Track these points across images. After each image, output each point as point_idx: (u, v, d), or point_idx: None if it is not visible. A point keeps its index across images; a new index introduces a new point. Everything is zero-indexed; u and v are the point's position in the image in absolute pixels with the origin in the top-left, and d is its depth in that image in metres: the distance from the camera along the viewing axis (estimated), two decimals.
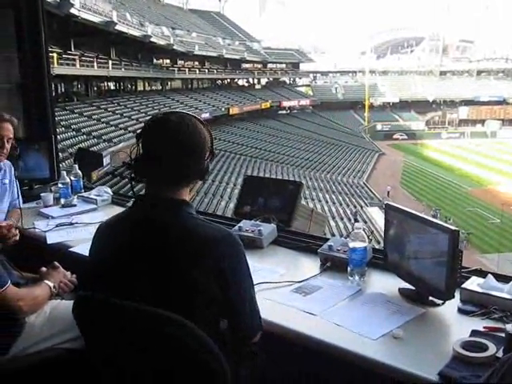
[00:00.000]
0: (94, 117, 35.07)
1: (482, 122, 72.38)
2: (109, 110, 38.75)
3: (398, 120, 73.96)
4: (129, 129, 35.55)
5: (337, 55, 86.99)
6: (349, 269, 2.59)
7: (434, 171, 50.44)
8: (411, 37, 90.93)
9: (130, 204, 3.81)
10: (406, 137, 68.81)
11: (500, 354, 1.78)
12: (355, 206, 38.22)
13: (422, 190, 43.73)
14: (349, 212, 36.48)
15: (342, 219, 34.26)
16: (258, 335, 2.05)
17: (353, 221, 33.63)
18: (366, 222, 31.72)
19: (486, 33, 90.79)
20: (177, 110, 2.09)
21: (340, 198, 39.83)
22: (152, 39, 45.51)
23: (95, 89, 43.91)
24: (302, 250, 3.03)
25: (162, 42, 48.38)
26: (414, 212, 2.45)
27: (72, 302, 2.58)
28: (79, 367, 2.33)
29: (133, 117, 39.25)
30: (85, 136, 30.19)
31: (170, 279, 1.88)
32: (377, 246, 3.04)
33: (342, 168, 51.27)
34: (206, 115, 45.76)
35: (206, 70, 62.24)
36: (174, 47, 51.20)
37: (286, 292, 2.50)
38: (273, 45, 75.77)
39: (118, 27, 38.71)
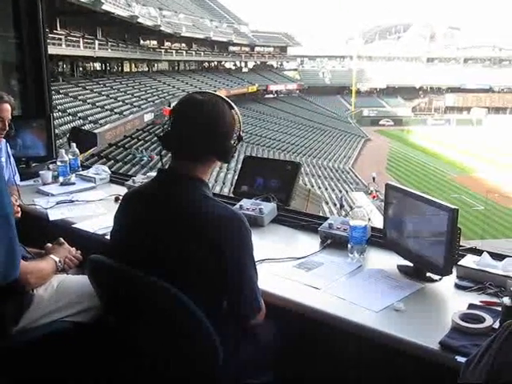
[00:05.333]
0: (79, 98, 34.78)
1: (468, 109, 72.85)
2: (95, 91, 38.43)
3: (384, 106, 74.16)
4: (115, 110, 35.34)
5: (324, 40, 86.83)
6: (349, 246, 2.68)
7: (419, 157, 50.76)
8: (399, 23, 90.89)
9: (129, 182, 3.93)
10: (392, 123, 69.04)
11: (496, 325, 1.88)
12: (340, 191, 38.41)
13: (407, 175, 44.03)
14: (334, 197, 36.66)
15: (327, 203, 34.41)
16: (259, 317, 2.09)
17: (338, 206, 33.82)
18: (351, 207, 31.87)
19: (473, 20, 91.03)
20: (205, 90, 2.18)
21: (326, 183, 40.02)
22: (139, 20, 45.01)
23: (81, 69, 43.51)
24: (302, 229, 3.11)
25: (149, 23, 47.90)
26: (413, 191, 2.54)
27: (78, 276, 2.68)
28: (85, 340, 2.42)
29: (119, 98, 38.98)
30: (71, 117, 29.97)
31: (170, 253, 1.96)
32: None
33: (328, 153, 51.41)
34: None
35: (193, 52, 61.88)
36: (161, 28, 50.73)
37: (289, 267, 2.58)
38: (261, 28, 75.53)
39: (104, 7, 38.17)
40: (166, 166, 2.11)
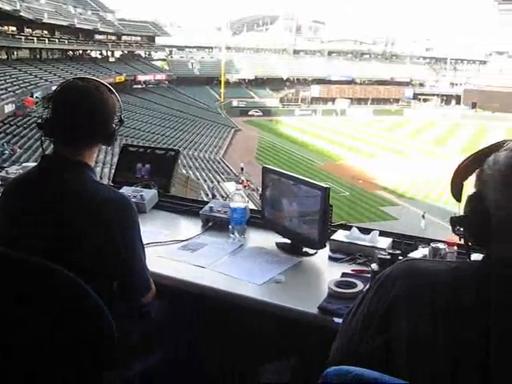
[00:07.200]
0: None
1: (333, 100, 75.99)
2: None
3: (253, 97, 75.41)
4: None
5: (193, 30, 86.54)
6: (230, 227, 2.82)
7: (288, 147, 52.28)
8: (266, 15, 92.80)
9: (1, 174, 3.79)
10: (261, 113, 70.32)
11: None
12: (212, 182, 38.74)
13: (276, 164, 45.00)
14: (206, 187, 36.89)
15: (199, 194, 34.55)
16: (150, 296, 2.17)
17: (210, 196, 34.09)
18: (223, 197, 32.24)
19: (336, 15, 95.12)
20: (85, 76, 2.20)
21: (197, 174, 40.11)
22: None
23: None
24: (183, 213, 3.21)
25: (7, 8, 45.11)
26: (288, 173, 2.73)
27: None
28: None
29: None
30: None
31: (60, 237, 1.97)
32: None
33: (199, 144, 51.49)
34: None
35: (57, 40, 59.14)
36: (21, 14, 48.01)
37: (174, 249, 2.68)
38: (127, 16, 73.72)
39: None
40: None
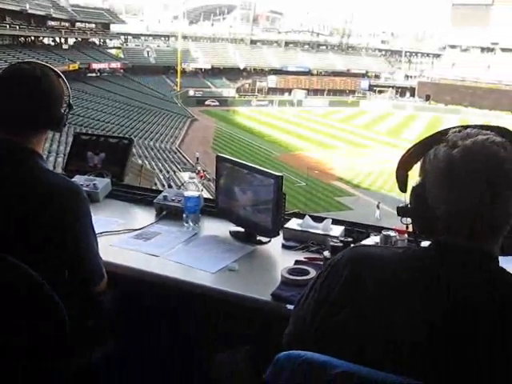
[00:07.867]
0: None
1: (289, 90, 76.22)
2: None
3: (210, 86, 75.02)
4: None
5: (149, 18, 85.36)
6: (184, 216, 2.81)
7: (244, 137, 52.27)
8: (223, 4, 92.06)
9: None
10: (217, 103, 70.05)
11: None
12: (168, 172, 38.45)
13: (233, 154, 44.63)
14: (162, 177, 36.61)
15: (155, 184, 34.28)
16: (103, 285, 2.14)
17: (167, 186, 33.85)
18: (179, 187, 32.04)
19: (293, 5, 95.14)
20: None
21: (153, 164, 39.76)
22: None
23: None
24: (137, 202, 3.19)
25: None
26: (242, 162, 2.74)
27: None
28: None
29: None
30: None
31: (15, 225, 1.92)
32: None
33: (155, 133, 51.00)
34: None
35: (8, 26, 57.56)
36: None
37: (127, 238, 2.66)
38: (81, 2, 72.14)
39: None
40: None
